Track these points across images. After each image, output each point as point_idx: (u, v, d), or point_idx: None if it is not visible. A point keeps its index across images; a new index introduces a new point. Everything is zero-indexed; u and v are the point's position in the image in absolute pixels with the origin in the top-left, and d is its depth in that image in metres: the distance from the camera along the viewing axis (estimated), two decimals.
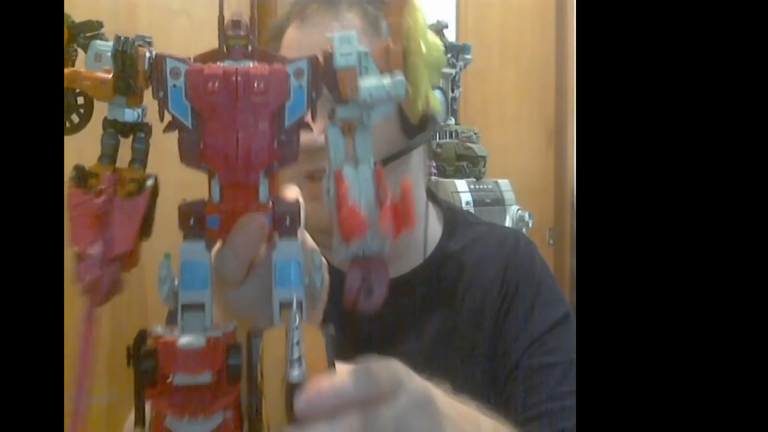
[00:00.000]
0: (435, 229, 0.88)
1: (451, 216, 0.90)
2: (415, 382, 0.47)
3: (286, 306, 0.38)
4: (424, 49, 0.37)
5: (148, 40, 0.39)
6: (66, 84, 0.38)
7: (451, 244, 0.86)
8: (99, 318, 0.39)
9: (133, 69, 0.38)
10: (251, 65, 0.37)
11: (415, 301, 0.83)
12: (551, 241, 3.07)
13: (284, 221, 0.40)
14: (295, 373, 0.36)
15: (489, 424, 0.63)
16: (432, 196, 0.90)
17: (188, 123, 0.39)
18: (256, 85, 0.37)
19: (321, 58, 0.39)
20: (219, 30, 0.38)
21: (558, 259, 3.08)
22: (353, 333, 0.81)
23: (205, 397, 0.38)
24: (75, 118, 0.39)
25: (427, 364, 0.80)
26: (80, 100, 0.39)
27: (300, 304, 0.38)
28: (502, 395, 0.82)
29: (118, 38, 0.39)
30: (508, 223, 2.04)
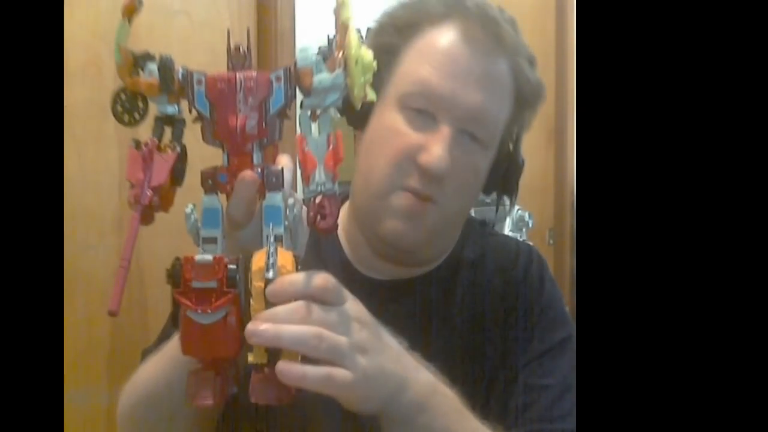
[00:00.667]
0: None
1: (469, 226, 0.90)
2: (358, 303, 0.60)
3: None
4: (355, 56, 0.54)
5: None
6: (132, 89, 0.57)
7: (465, 253, 0.86)
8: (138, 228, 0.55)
9: (170, 76, 0.56)
10: (247, 73, 0.56)
11: (424, 300, 0.83)
12: (551, 241, 3.07)
13: (270, 179, 0.58)
14: (270, 273, 0.54)
15: (426, 376, 0.64)
16: None
17: (207, 115, 0.57)
18: (248, 84, 0.56)
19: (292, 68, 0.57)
20: (228, 54, 0.57)
21: (558, 259, 3.08)
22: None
23: (212, 297, 0.55)
24: (137, 116, 0.58)
25: (430, 357, 0.81)
26: (141, 104, 0.57)
27: (279, 236, 0.57)
28: (499, 403, 0.82)
29: (161, 57, 0.57)
30: (508, 223, 2.04)
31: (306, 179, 0.57)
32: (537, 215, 2.20)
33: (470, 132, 0.74)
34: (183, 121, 0.58)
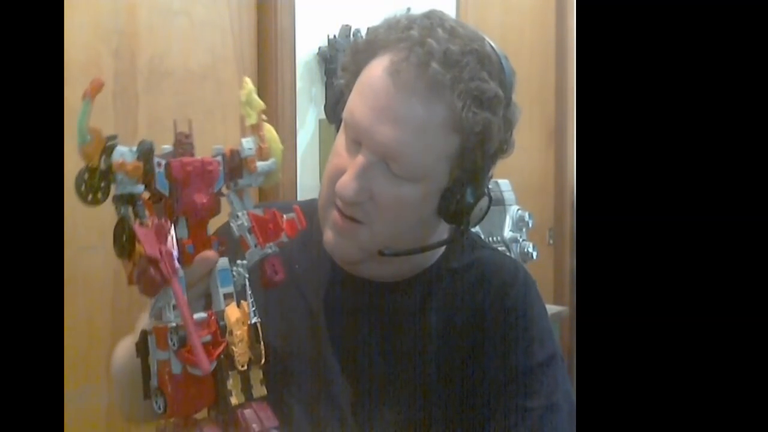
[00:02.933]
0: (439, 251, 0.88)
1: (458, 237, 0.88)
2: None
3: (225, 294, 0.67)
4: (279, 149, 0.70)
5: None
6: (113, 170, 0.60)
7: (451, 263, 0.87)
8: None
9: (151, 159, 0.62)
10: (206, 159, 0.66)
11: (402, 303, 0.85)
12: (551, 241, 3.07)
13: (222, 249, 0.68)
14: (254, 319, 0.66)
15: None
16: None
17: (167, 194, 0.64)
18: (209, 167, 0.66)
19: (228, 153, 0.68)
20: (175, 137, 0.66)
21: (558, 259, 3.08)
22: (350, 328, 0.84)
23: (209, 349, 0.62)
24: (101, 195, 0.60)
25: (404, 361, 0.82)
26: (104, 184, 0.60)
27: (232, 294, 0.67)
28: (476, 424, 0.81)
29: (143, 142, 0.62)
30: (508, 223, 2.04)
31: (263, 244, 0.68)
32: (537, 215, 2.20)
33: (388, 164, 0.74)
34: (142, 199, 0.63)
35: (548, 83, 3.06)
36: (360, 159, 0.75)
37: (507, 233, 2.04)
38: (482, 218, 0.81)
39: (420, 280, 0.85)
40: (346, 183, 0.75)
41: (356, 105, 0.76)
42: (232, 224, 0.68)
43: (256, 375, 0.66)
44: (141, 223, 0.61)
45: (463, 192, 0.77)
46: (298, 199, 2.03)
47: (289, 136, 1.61)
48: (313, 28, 2.02)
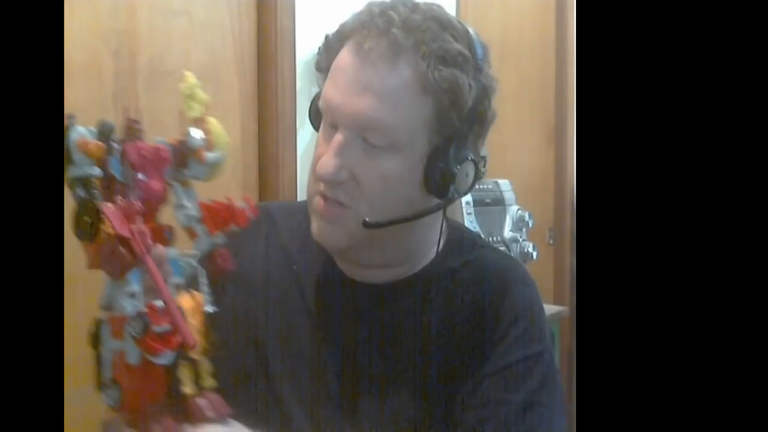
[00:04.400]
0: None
1: (457, 236, 0.89)
2: None
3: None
4: (224, 141, 0.69)
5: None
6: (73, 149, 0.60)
7: (448, 262, 0.86)
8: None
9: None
10: (159, 145, 0.65)
11: (401, 305, 0.84)
12: (551, 241, 3.07)
13: (170, 236, 0.67)
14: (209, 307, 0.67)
15: None
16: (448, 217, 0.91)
17: (120, 176, 0.62)
18: (163, 155, 0.65)
19: (175, 143, 0.66)
20: (125, 123, 0.65)
21: (558, 259, 3.08)
22: (349, 330, 0.83)
23: (168, 339, 0.61)
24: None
25: (404, 362, 0.81)
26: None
27: (182, 284, 0.66)
28: (456, 417, 0.80)
29: (104, 122, 0.63)
30: (508, 223, 2.04)
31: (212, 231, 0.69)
32: (537, 215, 2.20)
33: (365, 137, 0.74)
34: (94, 182, 0.61)
35: (548, 83, 3.06)
36: (337, 137, 0.75)
37: (507, 233, 2.04)
38: (470, 187, 0.80)
39: (419, 280, 0.85)
40: (326, 162, 0.75)
41: (328, 89, 0.77)
42: (177, 214, 0.67)
43: (207, 366, 0.65)
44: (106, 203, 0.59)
45: (445, 159, 0.76)
46: (298, 199, 2.03)
47: (289, 136, 1.61)
48: (313, 28, 2.02)
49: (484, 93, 0.78)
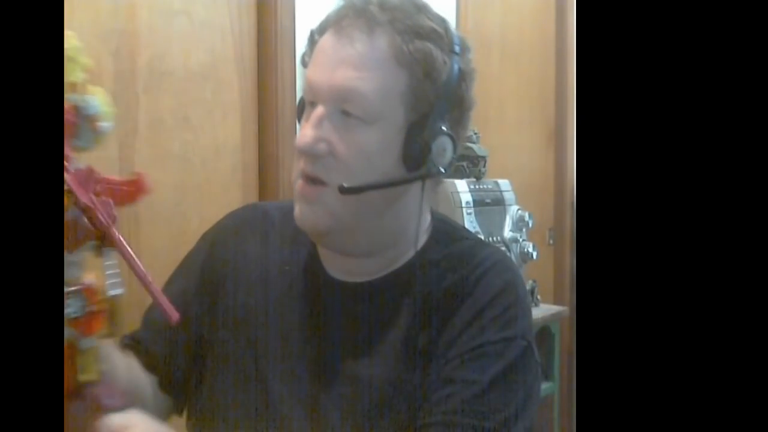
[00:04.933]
0: (420, 239, 0.87)
1: (440, 228, 0.90)
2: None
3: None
4: (105, 113, 0.65)
5: None
6: None
7: (430, 254, 0.86)
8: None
9: None
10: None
11: (381, 303, 0.84)
12: (551, 241, 3.07)
13: None
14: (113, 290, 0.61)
15: None
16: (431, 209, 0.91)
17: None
18: (73, 121, 0.60)
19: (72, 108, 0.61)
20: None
21: (558, 259, 3.08)
22: (326, 332, 0.84)
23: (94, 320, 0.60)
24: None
25: (383, 363, 0.80)
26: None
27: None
28: (422, 399, 0.79)
29: None
30: (508, 223, 2.04)
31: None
32: (537, 215, 2.20)
33: (344, 110, 0.76)
34: None
35: (548, 83, 3.06)
36: (316, 111, 0.77)
37: (507, 233, 2.04)
38: (449, 163, 0.81)
39: (400, 276, 0.85)
40: (304, 133, 0.77)
41: (309, 71, 0.80)
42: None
43: (106, 352, 0.62)
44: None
45: (421, 133, 0.78)
46: None
47: (289, 136, 1.61)
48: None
49: (461, 76, 0.80)
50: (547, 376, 2.33)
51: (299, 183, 0.79)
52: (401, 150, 0.78)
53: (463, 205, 1.90)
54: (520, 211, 2.07)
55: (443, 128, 0.78)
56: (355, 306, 0.84)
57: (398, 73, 0.77)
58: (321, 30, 0.81)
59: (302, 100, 0.83)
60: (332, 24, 0.79)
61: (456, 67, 0.79)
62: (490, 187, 2.02)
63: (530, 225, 2.09)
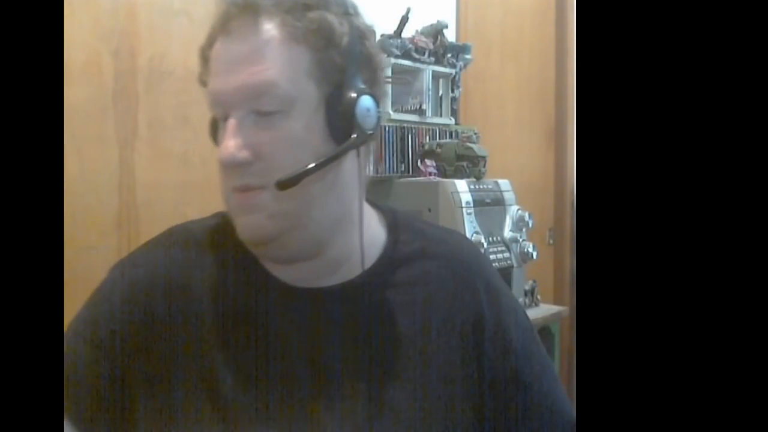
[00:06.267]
0: (377, 235, 0.83)
1: (394, 220, 0.85)
2: None
3: None
4: None
5: None
6: None
7: (399, 249, 0.82)
8: None
9: None
10: None
11: (355, 312, 0.78)
12: (551, 241, 3.07)
13: None
14: None
15: None
16: (368, 200, 0.85)
17: None
18: None
19: None
20: None
21: (558, 259, 3.08)
22: (293, 342, 0.76)
23: None
24: None
25: (401, 374, 0.76)
26: None
27: None
28: (497, 412, 0.80)
29: None
30: (507, 223, 2.04)
31: None
32: (537, 215, 2.20)
33: (256, 110, 0.72)
34: None
35: (548, 83, 3.06)
36: (229, 123, 0.73)
37: (507, 233, 2.04)
38: (376, 124, 0.76)
39: (368, 281, 0.79)
40: (223, 147, 0.72)
41: (210, 85, 0.75)
42: None
43: None
44: None
45: (340, 101, 0.74)
46: None
47: None
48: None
49: (362, 34, 0.76)
50: None
51: (234, 196, 0.74)
52: (325, 127, 0.74)
53: (463, 205, 1.90)
54: (520, 211, 2.07)
55: (360, 90, 0.75)
56: (325, 314, 0.78)
57: (299, 51, 0.73)
58: (210, 42, 0.76)
59: (213, 119, 0.78)
60: (219, 31, 0.75)
61: (354, 26, 0.75)
62: (490, 187, 2.03)
63: (530, 225, 2.09)
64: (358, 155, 0.77)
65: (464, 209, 1.90)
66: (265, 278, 0.79)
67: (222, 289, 0.78)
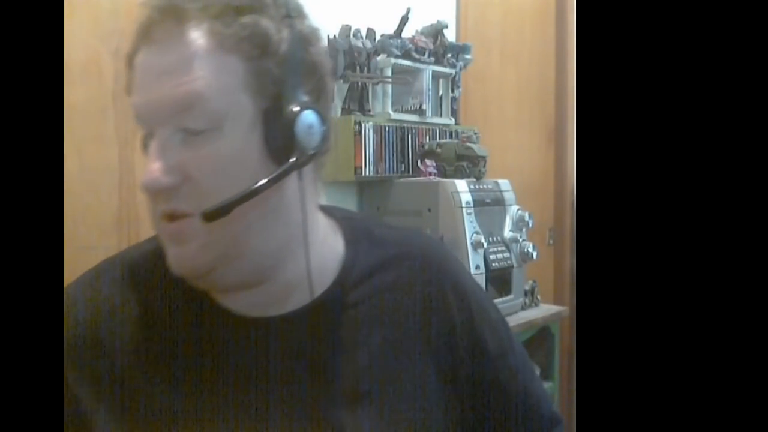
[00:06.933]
0: (335, 248, 0.77)
1: (351, 229, 0.79)
2: None
3: None
4: None
5: None
6: None
7: (359, 262, 0.76)
8: None
9: None
10: None
11: (314, 338, 0.72)
12: (551, 241, 3.07)
13: None
14: None
15: None
16: (324, 209, 0.79)
17: None
18: None
19: None
20: None
21: (558, 259, 3.08)
22: (270, 374, 0.70)
23: None
24: None
25: (365, 398, 0.70)
26: None
27: None
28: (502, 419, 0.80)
29: None
30: (508, 223, 2.04)
31: None
32: (537, 215, 2.20)
33: (184, 127, 0.65)
34: None
35: (548, 83, 3.06)
36: (154, 142, 0.66)
37: (507, 233, 2.04)
38: (320, 142, 0.68)
39: (325, 300, 0.73)
40: (148, 171, 0.64)
41: (133, 98, 0.67)
42: None
43: None
44: None
45: (279, 117, 0.66)
46: None
47: None
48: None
49: (305, 40, 0.68)
50: (547, 376, 2.33)
51: (162, 224, 0.67)
52: (263, 145, 0.66)
53: (463, 205, 1.90)
54: (520, 211, 2.07)
55: (302, 104, 0.67)
56: (283, 343, 0.71)
57: (230, 61, 0.65)
58: (134, 50, 0.68)
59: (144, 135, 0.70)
60: (141, 38, 0.67)
61: (295, 31, 0.67)
62: (490, 187, 2.03)
63: (530, 225, 2.09)
64: (300, 178, 0.69)
65: (464, 209, 1.90)
66: (211, 308, 0.72)
67: (165, 323, 0.71)
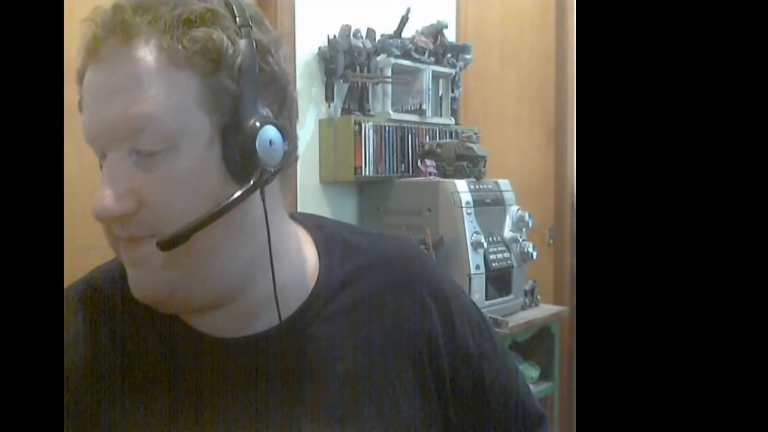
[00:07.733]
0: (308, 259, 0.75)
1: (324, 238, 0.77)
2: None
3: None
4: None
5: None
6: None
7: (334, 274, 0.74)
8: None
9: None
10: None
11: (287, 358, 0.70)
12: (551, 241, 3.07)
13: None
14: None
15: None
16: (295, 217, 0.77)
17: None
18: None
19: None
20: None
21: (558, 259, 3.08)
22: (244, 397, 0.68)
23: None
24: None
25: (342, 417, 0.68)
26: None
27: None
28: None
29: None
30: (508, 223, 2.04)
31: None
32: (537, 215, 2.20)
33: (137, 149, 0.62)
34: None
35: (548, 83, 3.06)
36: (106, 165, 0.63)
37: (507, 233, 2.04)
38: (283, 158, 0.65)
39: (298, 318, 0.71)
40: (98, 197, 0.62)
41: (83, 118, 0.64)
42: None
43: None
44: None
45: (238, 134, 0.63)
46: (298, 197, 2.02)
47: None
48: (313, 28, 2.02)
49: (262, 49, 0.65)
50: (547, 376, 2.33)
51: (119, 247, 0.65)
52: (221, 164, 0.63)
53: (463, 205, 1.90)
54: (520, 211, 2.07)
55: (262, 118, 0.64)
56: (255, 363, 0.69)
57: (182, 77, 0.61)
58: (83, 67, 0.64)
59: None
60: (88, 56, 0.63)
61: (250, 42, 0.64)
62: (490, 187, 2.03)
63: (530, 225, 2.09)
64: (263, 196, 0.65)
65: (464, 209, 1.90)
66: (181, 330, 0.70)
67: (134, 345, 0.70)
